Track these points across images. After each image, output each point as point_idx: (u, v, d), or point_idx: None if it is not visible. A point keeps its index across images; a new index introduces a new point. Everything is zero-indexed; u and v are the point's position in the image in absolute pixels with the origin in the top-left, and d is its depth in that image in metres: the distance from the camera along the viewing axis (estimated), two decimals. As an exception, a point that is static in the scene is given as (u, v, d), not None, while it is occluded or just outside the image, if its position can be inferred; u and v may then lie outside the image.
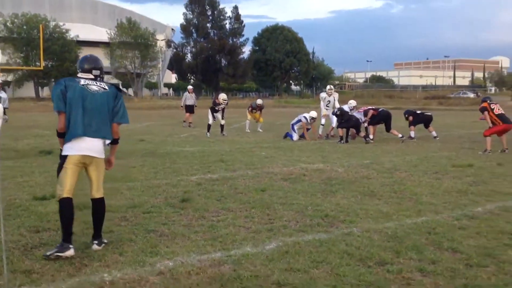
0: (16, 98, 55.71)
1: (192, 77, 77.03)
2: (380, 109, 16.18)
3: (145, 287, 4.04)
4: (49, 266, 4.49)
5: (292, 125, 16.63)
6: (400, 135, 15.32)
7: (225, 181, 8.76)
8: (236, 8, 72.70)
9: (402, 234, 5.46)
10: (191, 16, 70.97)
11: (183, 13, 71.22)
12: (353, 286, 4.06)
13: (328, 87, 18.36)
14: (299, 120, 16.48)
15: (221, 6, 72.03)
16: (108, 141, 5.00)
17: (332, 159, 11.65)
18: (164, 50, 73.73)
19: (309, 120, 16.32)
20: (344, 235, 5.43)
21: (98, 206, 5.04)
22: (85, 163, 4.87)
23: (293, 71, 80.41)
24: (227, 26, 72.60)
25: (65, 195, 4.76)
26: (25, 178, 8.80)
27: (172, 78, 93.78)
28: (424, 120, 16.34)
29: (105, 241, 5.11)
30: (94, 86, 4.94)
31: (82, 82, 4.93)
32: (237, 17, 72.29)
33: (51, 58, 57.61)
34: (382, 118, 15.83)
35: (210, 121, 17.94)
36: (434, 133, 16.19)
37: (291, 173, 9.63)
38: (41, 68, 44.51)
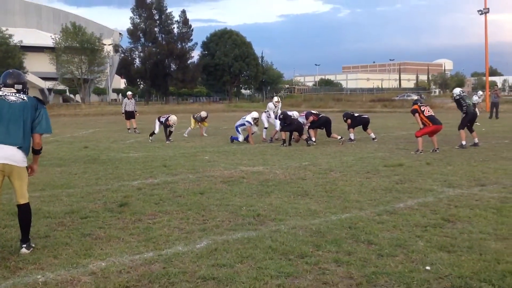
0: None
1: (141, 82, 76.48)
2: (320, 115, 16.70)
3: (77, 286, 4.26)
4: (-17, 270, 4.64)
5: (237, 126, 17.03)
6: (339, 137, 15.89)
7: (166, 185, 9.00)
8: (184, 12, 72.83)
9: (325, 229, 5.87)
10: (138, 21, 70.47)
11: (130, 17, 70.73)
12: (273, 277, 4.41)
13: (275, 99, 18.90)
14: (243, 124, 16.88)
15: (168, 10, 71.91)
16: (22, 153, 5.06)
17: (272, 161, 12.05)
18: (112, 55, 72.88)
19: (252, 122, 16.74)
20: (271, 232, 5.79)
21: (23, 212, 5.20)
22: (4, 171, 5.00)
23: (242, 75, 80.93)
24: (175, 30, 72.57)
25: None
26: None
27: (121, 83, 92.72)
28: (362, 123, 16.99)
29: (33, 245, 5.29)
30: (13, 97, 5.09)
31: (0, 93, 5.09)
32: (185, 21, 72.32)
33: (-7, 64, 56.12)
34: (322, 124, 16.37)
35: (156, 130, 18.00)
36: (372, 135, 16.86)
37: (231, 176, 9.95)
38: (-17, 74, 43.19)
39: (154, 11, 70.98)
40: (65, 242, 5.50)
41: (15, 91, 5.19)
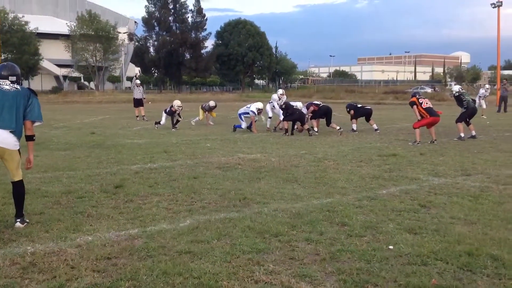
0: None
1: (155, 71, 76.92)
2: (321, 105, 16.94)
3: (62, 257, 4.62)
4: (-21, 241, 5.03)
5: (240, 114, 17.36)
6: (338, 127, 16.14)
7: (163, 169, 9.35)
8: (198, 1, 72.91)
9: (304, 212, 6.18)
10: (153, 9, 70.87)
11: (145, 6, 71.18)
12: (245, 252, 4.74)
13: (280, 91, 19.04)
14: (247, 113, 17.20)
15: (182, 0, 72.06)
16: (14, 137, 5.43)
17: (271, 150, 12.35)
18: (127, 43, 73.41)
19: (256, 113, 17.05)
20: (253, 214, 6.11)
21: (17, 188, 5.62)
22: None
23: (256, 65, 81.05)
24: (189, 19, 72.80)
25: None
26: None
27: (136, 71, 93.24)
28: (365, 114, 17.19)
29: (27, 220, 5.69)
30: (6, 86, 5.51)
31: None
32: (199, 10, 72.55)
33: (10, 51, 56.93)
34: (323, 113, 16.62)
35: (163, 121, 18.25)
36: (375, 126, 17.07)
37: (228, 162, 10.27)
38: (-1, 61, 43.93)
39: (169, 0, 71.25)
40: (58, 219, 5.88)
41: (9, 82, 5.57)
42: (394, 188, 7.69)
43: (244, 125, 17.10)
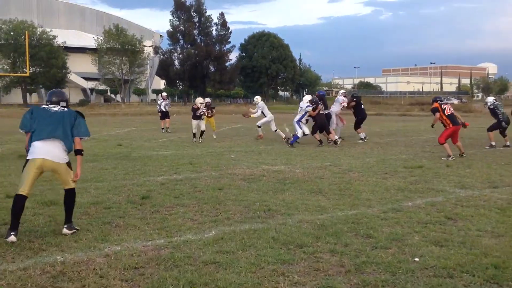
0: (4, 104, 56.21)
1: (180, 84, 77.63)
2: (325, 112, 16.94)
3: (91, 266, 4.72)
4: (12, 250, 5.16)
5: (298, 121, 16.51)
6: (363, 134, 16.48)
7: (188, 181, 9.45)
8: (222, 15, 73.52)
9: (328, 223, 6.19)
10: (178, 23, 71.64)
11: (170, 20, 71.96)
12: (269, 263, 4.77)
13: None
14: (306, 113, 16.41)
15: (208, 13, 72.83)
16: (65, 151, 5.75)
17: (295, 161, 12.37)
18: (152, 57, 74.35)
19: (311, 106, 16.42)
20: (277, 225, 6.15)
21: (67, 195, 5.88)
22: (45, 166, 5.64)
23: (279, 77, 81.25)
24: (214, 32, 73.41)
25: (19, 192, 5.55)
26: (1, 179, 9.45)
27: (161, 84, 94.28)
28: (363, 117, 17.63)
29: (77, 227, 5.89)
30: (54, 108, 5.91)
31: (44, 105, 5.95)
32: (223, 23, 73.09)
33: (38, 64, 58.14)
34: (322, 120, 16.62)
35: (194, 129, 18.25)
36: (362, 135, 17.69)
37: (252, 174, 10.32)
38: (27, 74, 44.93)
39: (193, 14, 72.03)
40: (87, 229, 6.00)
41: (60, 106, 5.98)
42: (420, 200, 7.64)
43: (300, 132, 16.34)
